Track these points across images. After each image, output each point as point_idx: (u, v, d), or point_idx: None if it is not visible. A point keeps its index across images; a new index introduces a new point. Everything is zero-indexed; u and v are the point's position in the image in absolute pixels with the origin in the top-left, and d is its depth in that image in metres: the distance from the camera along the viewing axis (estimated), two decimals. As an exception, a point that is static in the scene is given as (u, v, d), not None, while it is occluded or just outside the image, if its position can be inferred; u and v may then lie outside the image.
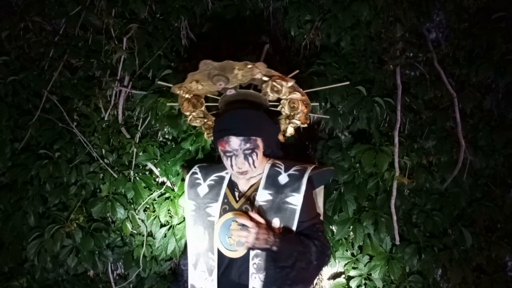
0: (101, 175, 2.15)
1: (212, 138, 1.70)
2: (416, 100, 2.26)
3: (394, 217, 2.13)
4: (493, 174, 2.29)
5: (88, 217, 2.15)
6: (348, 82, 1.93)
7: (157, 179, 2.24)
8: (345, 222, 2.12)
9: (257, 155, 1.54)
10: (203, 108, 1.70)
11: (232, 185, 1.65)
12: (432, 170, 2.24)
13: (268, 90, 1.55)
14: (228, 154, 1.53)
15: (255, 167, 1.55)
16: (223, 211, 1.60)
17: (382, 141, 2.16)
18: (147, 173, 2.22)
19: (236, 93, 1.64)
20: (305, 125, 1.72)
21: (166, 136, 2.24)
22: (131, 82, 2.25)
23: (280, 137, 1.75)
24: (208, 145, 2.08)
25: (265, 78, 1.52)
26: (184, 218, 2.12)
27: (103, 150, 2.19)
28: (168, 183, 2.19)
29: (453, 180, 2.21)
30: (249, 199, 1.58)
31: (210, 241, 1.59)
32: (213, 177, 1.69)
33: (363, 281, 2.15)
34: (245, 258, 1.53)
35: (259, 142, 1.55)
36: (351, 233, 2.15)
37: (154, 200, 2.16)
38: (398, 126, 2.18)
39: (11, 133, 2.20)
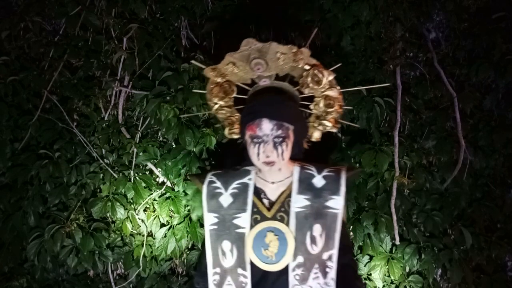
0: (101, 175, 2.15)
1: (233, 135, 1.61)
2: (416, 100, 2.26)
3: (394, 217, 2.13)
4: (493, 174, 2.29)
5: (88, 217, 2.15)
6: (388, 84, 1.86)
7: (157, 179, 2.25)
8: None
9: (287, 146, 1.40)
10: (233, 95, 1.54)
11: (259, 193, 1.49)
12: (432, 170, 2.24)
13: (309, 79, 1.42)
14: (256, 140, 1.39)
15: (283, 159, 1.40)
16: (254, 222, 1.44)
17: (382, 141, 2.16)
18: (147, 173, 2.22)
19: (270, 83, 1.51)
20: (335, 130, 1.59)
21: (166, 136, 2.24)
22: (131, 82, 2.25)
23: (304, 144, 1.60)
24: (213, 146, 2.07)
25: (306, 67, 1.41)
26: (184, 218, 2.12)
27: (103, 150, 2.19)
28: (168, 183, 2.19)
29: (453, 180, 2.21)
30: (283, 206, 1.45)
31: (240, 255, 1.43)
32: (235, 184, 1.50)
33: (363, 281, 2.15)
34: (283, 270, 1.40)
35: (291, 132, 1.42)
36: (351, 233, 2.15)
37: (154, 200, 2.16)
38: (398, 126, 2.18)
39: (11, 133, 2.20)
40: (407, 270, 2.16)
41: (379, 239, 2.13)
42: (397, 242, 2.16)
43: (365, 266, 2.16)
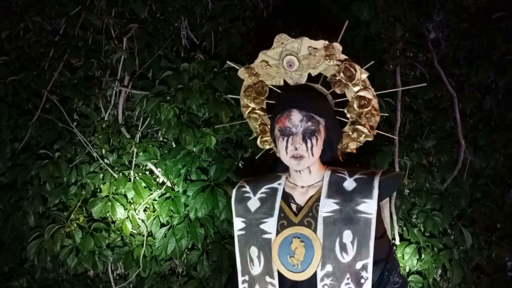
0: (101, 175, 2.15)
1: (266, 144, 1.57)
2: (416, 100, 2.26)
3: (394, 217, 2.13)
4: (493, 174, 2.29)
5: (88, 217, 2.15)
6: (425, 84, 1.82)
7: (157, 179, 2.25)
8: (345, 222, 2.12)
9: (317, 140, 1.34)
10: (265, 97, 1.51)
11: (287, 197, 1.43)
12: (432, 170, 2.24)
13: (341, 74, 1.37)
14: (285, 132, 1.34)
15: (312, 154, 1.34)
16: (281, 227, 1.37)
17: (382, 141, 2.16)
18: (147, 173, 2.22)
19: (303, 84, 1.47)
20: (371, 138, 1.50)
21: (166, 136, 2.24)
22: (131, 82, 2.25)
23: (339, 155, 1.55)
24: (213, 146, 2.07)
25: (338, 62, 1.38)
26: (184, 218, 2.12)
27: (103, 150, 2.18)
28: (168, 183, 2.19)
29: (453, 180, 2.21)
30: (311, 211, 1.37)
31: (267, 262, 1.37)
32: (264, 189, 1.46)
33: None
34: (312, 280, 1.31)
35: (322, 127, 1.36)
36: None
37: (154, 200, 2.16)
38: (398, 126, 2.18)
39: (11, 133, 2.20)
40: (407, 270, 2.16)
41: (379, 239, 2.13)
42: (397, 242, 2.16)
43: (365, 266, 2.16)
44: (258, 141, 1.60)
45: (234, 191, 1.49)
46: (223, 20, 2.21)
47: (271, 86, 1.51)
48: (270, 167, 1.61)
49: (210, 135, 2.06)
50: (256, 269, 1.39)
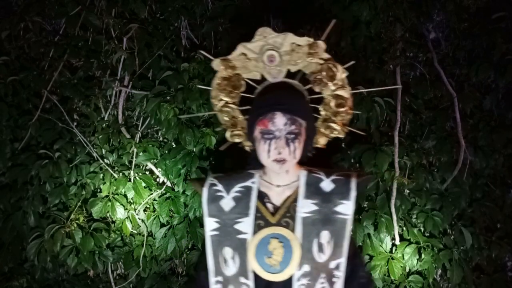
0: (101, 175, 2.15)
1: (235, 138, 1.51)
2: (416, 100, 2.26)
3: (394, 217, 2.13)
4: (493, 174, 2.29)
5: (88, 217, 2.15)
6: (400, 86, 1.82)
7: (157, 179, 2.25)
8: (345, 222, 2.12)
9: (299, 143, 1.32)
10: (242, 89, 1.46)
11: (262, 197, 1.40)
12: (432, 170, 2.24)
13: (323, 73, 1.34)
14: (268, 136, 1.31)
15: (294, 157, 1.32)
16: (258, 227, 1.35)
17: (382, 141, 2.16)
18: (147, 173, 2.22)
19: (280, 80, 1.43)
20: (342, 135, 1.48)
21: (166, 136, 2.24)
22: (131, 82, 2.25)
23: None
24: (213, 146, 2.07)
25: (320, 61, 1.35)
26: (184, 218, 2.12)
27: (103, 150, 2.19)
28: (168, 183, 2.19)
29: (453, 180, 2.21)
30: (289, 211, 1.35)
31: (242, 263, 1.34)
32: (237, 188, 1.41)
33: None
34: (287, 280, 1.31)
35: (303, 130, 1.34)
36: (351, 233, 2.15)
37: (154, 200, 2.16)
38: (398, 126, 2.18)
39: (11, 133, 2.20)
40: (407, 270, 2.16)
41: (379, 239, 2.13)
42: (397, 242, 2.16)
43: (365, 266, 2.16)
44: (228, 135, 1.53)
45: (205, 189, 1.43)
46: (223, 20, 2.21)
47: (247, 80, 1.46)
48: (237, 161, 1.55)
49: (210, 135, 2.06)
50: (230, 269, 1.36)
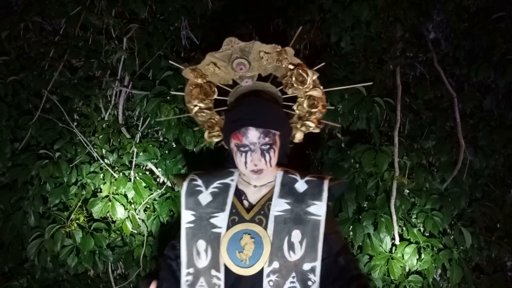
0: (101, 175, 2.15)
1: (213, 138, 1.56)
2: (416, 100, 2.26)
3: (394, 217, 2.13)
4: (493, 174, 2.29)
5: (88, 217, 2.15)
6: (371, 83, 1.83)
7: (157, 179, 2.25)
8: (345, 222, 2.12)
9: (274, 152, 1.38)
10: (214, 97, 1.49)
11: (240, 194, 1.45)
12: (432, 170, 2.24)
13: (293, 79, 1.38)
14: (243, 149, 1.36)
15: (271, 166, 1.38)
16: (232, 223, 1.39)
17: (382, 141, 2.16)
18: (147, 173, 2.22)
19: (253, 84, 1.47)
20: (317, 131, 1.54)
21: (166, 136, 2.24)
22: (131, 82, 2.26)
23: None
24: (213, 146, 2.07)
25: (290, 67, 1.37)
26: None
27: (103, 150, 2.19)
28: (168, 183, 2.19)
29: (453, 180, 2.21)
30: (263, 209, 1.40)
31: (215, 256, 1.37)
32: (216, 184, 1.47)
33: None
34: (257, 276, 1.33)
35: (277, 138, 1.39)
36: (351, 233, 2.15)
37: (155, 200, 2.16)
38: (398, 126, 2.18)
39: (11, 133, 2.20)
40: (407, 270, 2.16)
41: (379, 239, 2.13)
42: (397, 242, 2.16)
43: (365, 266, 2.16)
44: (206, 136, 1.58)
45: (185, 183, 1.47)
46: (223, 20, 2.21)
47: (219, 85, 1.49)
48: (217, 161, 1.59)
49: (210, 135, 2.06)
50: (202, 262, 1.38)
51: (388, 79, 2.23)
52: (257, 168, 1.37)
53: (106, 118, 2.25)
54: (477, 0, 2.16)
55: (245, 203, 1.44)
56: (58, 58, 2.21)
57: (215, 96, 1.50)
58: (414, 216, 2.21)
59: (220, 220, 1.40)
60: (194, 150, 2.10)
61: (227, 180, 1.48)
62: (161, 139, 2.29)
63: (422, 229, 2.21)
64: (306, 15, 2.24)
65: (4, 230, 2.14)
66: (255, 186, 1.45)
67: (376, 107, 2.12)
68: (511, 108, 2.33)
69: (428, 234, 2.20)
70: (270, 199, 1.41)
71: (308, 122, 1.50)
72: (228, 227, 1.39)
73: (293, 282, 1.32)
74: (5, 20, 2.23)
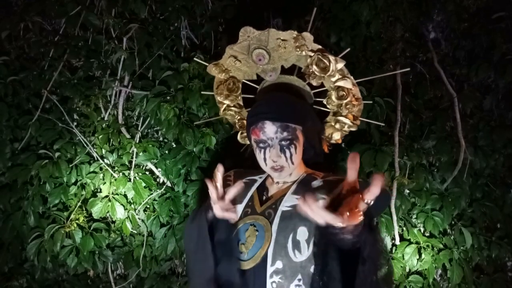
0: (101, 175, 2.15)
1: (246, 140, 1.52)
2: (416, 100, 2.26)
3: (394, 217, 2.13)
4: (493, 174, 2.29)
5: (88, 217, 2.15)
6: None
7: (157, 179, 2.25)
8: (345, 222, 2.11)
9: (295, 148, 1.31)
10: (239, 93, 1.45)
11: (262, 189, 1.44)
12: (432, 170, 2.24)
13: (314, 67, 1.29)
14: (262, 145, 1.31)
15: (292, 163, 1.32)
16: (244, 214, 1.37)
17: (382, 141, 2.16)
18: (147, 173, 2.22)
19: (276, 78, 1.42)
20: (355, 129, 1.43)
21: (166, 136, 2.24)
22: (131, 82, 2.25)
23: (324, 147, 1.51)
24: (213, 146, 2.07)
25: (310, 53, 1.29)
26: (184, 218, 2.12)
27: (103, 150, 2.18)
28: (168, 183, 2.19)
29: (453, 180, 2.20)
30: (275, 203, 1.35)
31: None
32: (245, 179, 1.45)
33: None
34: (260, 275, 1.25)
35: (299, 133, 1.32)
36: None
37: (154, 200, 2.16)
38: (398, 126, 2.18)
39: (11, 133, 2.20)
40: (407, 270, 2.16)
41: (379, 239, 2.13)
42: (397, 242, 2.16)
43: (365, 266, 2.16)
44: (238, 137, 1.57)
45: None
46: (223, 20, 2.21)
47: (245, 81, 1.45)
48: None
49: (210, 135, 2.06)
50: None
51: (388, 79, 2.23)
52: (276, 165, 1.31)
53: (106, 118, 2.25)
54: (477, 0, 2.16)
55: (264, 197, 1.41)
56: (58, 58, 2.21)
57: (239, 93, 1.45)
58: (414, 216, 2.20)
59: (237, 212, 1.35)
60: (194, 150, 2.10)
61: (256, 177, 1.47)
62: (161, 139, 2.29)
63: (422, 229, 2.21)
64: (306, 15, 2.24)
65: (4, 230, 2.14)
66: (277, 183, 1.42)
67: (376, 107, 2.12)
68: (511, 108, 2.32)
69: (429, 234, 2.20)
70: (285, 195, 1.36)
71: (342, 118, 1.41)
72: (240, 219, 1.36)
73: (299, 285, 1.22)
74: (5, 20, 2.22)
